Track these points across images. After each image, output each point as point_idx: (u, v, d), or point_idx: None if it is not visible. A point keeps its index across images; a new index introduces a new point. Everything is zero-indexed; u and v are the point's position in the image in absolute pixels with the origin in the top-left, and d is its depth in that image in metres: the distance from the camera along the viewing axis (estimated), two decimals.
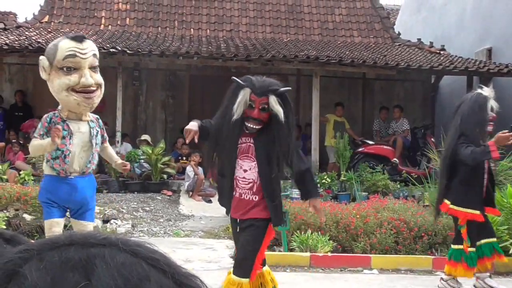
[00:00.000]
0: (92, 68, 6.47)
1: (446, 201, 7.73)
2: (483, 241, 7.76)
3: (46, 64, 6.38)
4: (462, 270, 7.69)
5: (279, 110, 5.44)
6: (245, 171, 5.59)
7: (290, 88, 5.79)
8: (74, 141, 6.56)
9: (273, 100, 5.45)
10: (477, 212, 7.54)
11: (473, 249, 7.65)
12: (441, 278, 7.98)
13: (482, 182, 7.66)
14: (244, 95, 5.52)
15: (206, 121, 5.87)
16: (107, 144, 7.10)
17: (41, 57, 6.48)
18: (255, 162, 5.55)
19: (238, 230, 5.66)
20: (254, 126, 5.53)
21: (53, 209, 6.59)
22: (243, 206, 5.60)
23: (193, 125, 5.74)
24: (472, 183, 7.58)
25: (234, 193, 5.64)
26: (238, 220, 5.65)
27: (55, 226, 6.62)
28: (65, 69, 6.30)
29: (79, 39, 6.43)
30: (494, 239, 7.89)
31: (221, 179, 5.85)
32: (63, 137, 6.44)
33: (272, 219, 5.59)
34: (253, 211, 5.57)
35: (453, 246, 7.85)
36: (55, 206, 6.59)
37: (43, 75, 6.47)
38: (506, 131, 7.50)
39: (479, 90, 7.83)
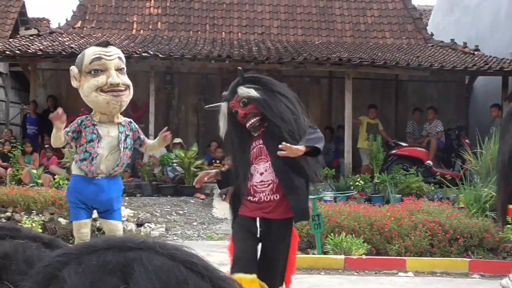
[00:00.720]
0: (118, 70, 6.76)
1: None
2: None
3: (76, 72, 6.75)
4: None
5: (249, 92, 5.35)
6: (261, 174, 5.42)
7: (240, 68, 5.66)
8: (102, 144, 6.77)
9: (242, 90, 5.39)
10: None
11: None
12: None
13: None
14: (222, 110, 5.53)
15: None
16: (146, 142, 7.26)
17: (72, 67, 6.84)
18: (269, 161, 5.39)
19: (259, 229, 5.48)
20: (251, 121, 5.40)
21: (80, 211, 6.77)
22: (265, 207, 5.43)
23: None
24: None
25: (251, 198, 5.45)
26: (258, 218, 5.48)
27: (83, 227, 6.82)
28: (92, 72, 6.63)
29: (104, 44, 6.87)
30: None
31: (235, 195, 5.71)
32: (92, 140, 6.74)
33: (294, 213, 5.37)
34: (278, 211, 5.41)
35: None
36: (82, 206, 6.76)
37: (74, 83, 6.83)
38: None
39: None
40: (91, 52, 6.71)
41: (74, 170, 6.83)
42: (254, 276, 5.31)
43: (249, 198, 5.44)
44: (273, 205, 5.39)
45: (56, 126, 6.64)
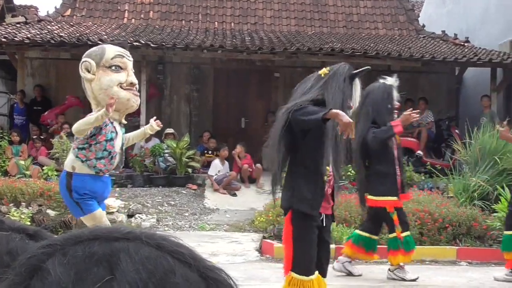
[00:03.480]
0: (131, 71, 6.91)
1: (369, 196, 7.89)
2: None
3: (93, 65, 6.66)
4: (402, 256, 7.88)
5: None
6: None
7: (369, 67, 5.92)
8: (117, 142, 6.81)
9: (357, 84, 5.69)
10: (396, 198, 7.85)
11: (407, 233, 7.98)
12: (389, 269, 8.23)
13: (395, 170, 7.89)
14: (358, 87, 5.65)
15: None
16: (128, 135, 7.30)
17: (86, 59, 6.75)
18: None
19: (324, 226, 5.49)
20: None
21: (94, 201, 6.73)
22: (326, 201, 5.53)
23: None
24: (386, 171, 7.82)
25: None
26: (323, 215, 5.50)
27: (103, 216, 6.85)
28: (113, 67, 6.67)
29: (124, 44, 7.12)
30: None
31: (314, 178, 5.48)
32: (112, 139, 6.69)
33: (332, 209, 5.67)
34: (329, 207, 5.60)
35: (389, 236, 8.12)
36: (93, 199, 6.72)
37: (87, 75, 6.70)
38: (411, 109, 7.98)
39: (383, 80, 8.05)
40: (113, 49, 6.78)
41: (80, 168, 6.63)
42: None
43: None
44: (328, 199, 5.57)
45: (105, 111, 6.33)
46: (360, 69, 5.68)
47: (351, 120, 4.91)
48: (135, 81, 6.83)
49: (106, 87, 6.63)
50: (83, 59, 6.79)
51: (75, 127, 6.57)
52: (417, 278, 8.15)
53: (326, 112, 4.94)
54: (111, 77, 6.64)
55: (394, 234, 7.95)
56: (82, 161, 6.62)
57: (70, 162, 6.72)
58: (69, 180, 6.68)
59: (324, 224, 5.46)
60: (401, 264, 8.14)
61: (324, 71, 5.61)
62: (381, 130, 7.69)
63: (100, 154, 6.63)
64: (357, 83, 5.62)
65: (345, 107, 5.29)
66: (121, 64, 6.71)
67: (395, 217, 7.85)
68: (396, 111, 8.03)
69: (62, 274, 0.85)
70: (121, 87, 6.66)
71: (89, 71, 6.69)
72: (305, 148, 5.37)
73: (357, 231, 8.37)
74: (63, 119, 16.54)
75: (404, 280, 8.08)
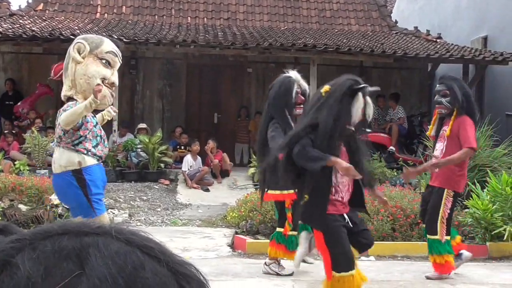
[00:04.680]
0: None
1: (269, 191, 7.84)
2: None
3: (87, 49, 6.59)
4: (282, 253, 7.81)
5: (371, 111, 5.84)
6: (342, 175, 5.72)
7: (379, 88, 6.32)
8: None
9: (369, 101, 5.80)
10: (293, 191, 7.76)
11: (295, 233, 7.84)
12: (265, 263, 8.13)
13: None
14: (360, 101, 5.67)
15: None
16: None
17: (81, 41, 6.67)
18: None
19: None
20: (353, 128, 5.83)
21: (103, 203, 6.73)
22: (342, 203, 5.81)
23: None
24: None
25: (336, 197, 5.78)
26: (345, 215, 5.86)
27: (107, 218, 6.87)
28: (104, 61, 6.62)
29: (119, 44, 6.98)
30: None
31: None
32: (97, 123, 6.73)
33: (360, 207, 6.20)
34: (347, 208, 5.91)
35: (278, 229, 8.04)
36: (102, 200, 6.69)
37: (77, 56, 6.59)
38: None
39: (285, 74, 7.91)
40: (110, 44, 6.75)
41: (87, 161, 6.47)
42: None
43: (332, 196, 5.74)
44: (344, 201, 5.86)
45: (93, 98, 6.26)
46: (362, 86, 5.74)
47: (349, 166, 5.38)
48: (117, 83, 6.80)
49: (91, 75, 6.56)
50: (78, 40, 6.71)
51: (63, 119, 6.36)
52: (292, 274, 8.08)
53: (324, 160, 5.37)
54: (99, 69, 6.59)
55: (282, 229, 7.88)
56: (86, 154, 6.48)
57: (71, 159, 6.46)
58: (79, 178, 6.42)
59: (348, 221, 5.84)
60: (278, 259, 8.05)
61: (325, 89, 5.79)
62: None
63: (95, 141, 6.57)
64: (362, 99, 5.66)
65: (340, 127, 5.53)
66: (112, 61, 6.68)
67: (289, 214, 7.76)
68: (300, 106, 7.86)
69: (31, 269, 0.85)
70: (102, 82, 6.61)
71: (79, 53, 6.59)
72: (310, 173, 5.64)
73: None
74: (35, 115, 16.45)
75: (278, 275, 8.01)
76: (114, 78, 6.72)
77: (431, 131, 8.15)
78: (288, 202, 7.71)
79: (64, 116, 6.38)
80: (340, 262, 5.68)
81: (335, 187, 5.72)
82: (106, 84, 6.63)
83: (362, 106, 5.61)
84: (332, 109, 5.53)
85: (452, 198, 7.88)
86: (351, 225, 5.80)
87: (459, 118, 7.77)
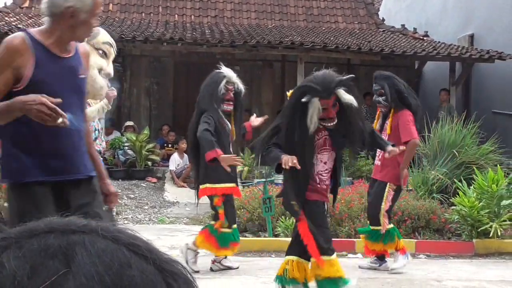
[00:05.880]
0: None
1: (201, 185, 7.87)
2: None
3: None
4: (210, 245, 7.77)
5: (351, 99, 5.71)
6: (325, 163, 5.94)
7: (353, 75, 6.20)
8: None
9: (342, 93, 5.70)
10: (233, 184, 7.80)
11: (228, 230, 7.77)
12: (214, 261, 8.07)
13: None
14: (314, 107, 5.61)
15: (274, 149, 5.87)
16: None
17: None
18: (332, 151, 5.96)
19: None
20: (332, 123, 5.76)
21: None
22: (325, 190, 6.06)
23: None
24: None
25: (318, 186, 5.94)
26: (325, 203, 6.15)
27: None
28: (101, 51, 6.58)
29: (114, 36, 7.10)
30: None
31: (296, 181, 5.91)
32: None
33: (334, 199, 6.49)
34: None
35: (211, 223, 8.13)
36: None
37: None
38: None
39: (217, 70, 7.97)
40: (107, 35, 6.74)
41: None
42: None
43: (317, 184, 5.92)
44: (328, 189, 6.09)
45: (106, 104, 6.45)
46: (310, 96, 5.69)
47: (293, 159, 5.46)
48: (112, 73, 6.70)
49: (89, 66, 6.57)
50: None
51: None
52: (237, 267, 8.10)
53: (278, 160, 5.60)
54: (95, 58, 6.47)
55: (216, 224, 7.83)
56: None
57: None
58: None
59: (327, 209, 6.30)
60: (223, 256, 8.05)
61: (290, 93, 6.03)
62: (205, 139, 7.30)
63: (93, 136, 6.60)
64: (318, 103, 5.63)
65: (296, 130, 5.66)
66: (107, 52, 6.65)
67: (221, 211, 7.74)
68: (229, 103, 7.80)
69: (17, 267, 0.85)
70: (99, 72, 6.62)
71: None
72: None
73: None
74: None
75: (230, 268, 8.05)
76: (110, 69, 6.65)
77: (375, 126, 8.23)
78: (218, 199, 7.70)
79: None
80: (328, 246, 5.87)
81: (318, 175, 5.91)
82: (102, 75, 6.64)
83: (317, 111, 5.61)
84: (284, 116, 5.88)
85: (394, 192, 8.11)
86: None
87: (397, 113, 8.01)
